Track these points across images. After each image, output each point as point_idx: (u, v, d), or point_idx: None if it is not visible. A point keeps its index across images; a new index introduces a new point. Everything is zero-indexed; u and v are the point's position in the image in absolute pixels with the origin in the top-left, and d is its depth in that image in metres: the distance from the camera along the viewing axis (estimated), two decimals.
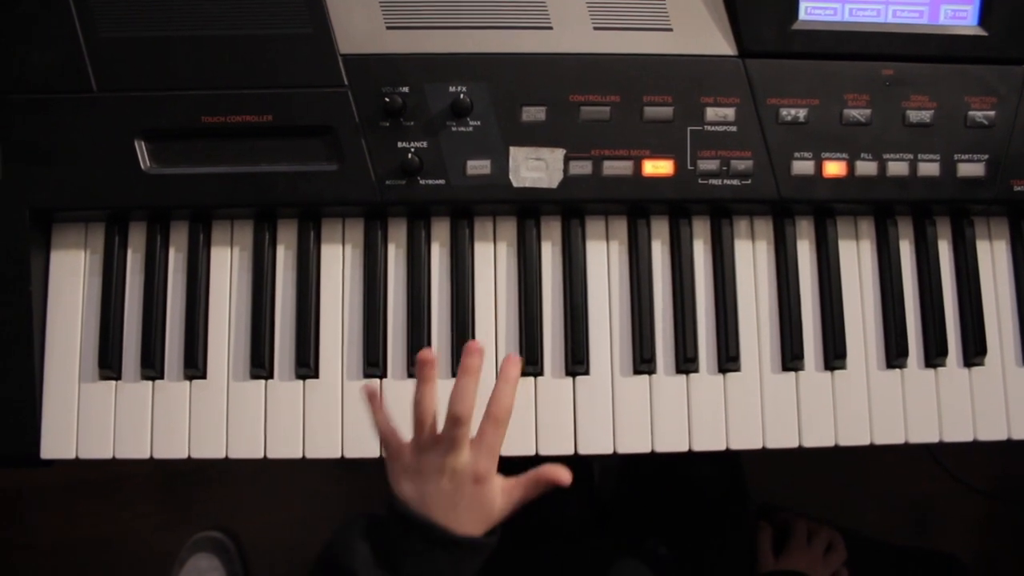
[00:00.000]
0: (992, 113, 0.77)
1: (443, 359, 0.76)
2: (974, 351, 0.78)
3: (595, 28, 0.75)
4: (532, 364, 0.75)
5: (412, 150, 0.74)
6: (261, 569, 1.37)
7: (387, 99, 0.73)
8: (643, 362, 0.76)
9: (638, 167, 0.75)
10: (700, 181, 0.75)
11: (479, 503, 0.67)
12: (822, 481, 1.35)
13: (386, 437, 0.70)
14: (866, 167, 0.76)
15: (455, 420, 0.66)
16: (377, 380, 0.76)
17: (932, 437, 0.77)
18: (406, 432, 0.70)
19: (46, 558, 1.39)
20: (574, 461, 0.75)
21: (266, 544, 1.37)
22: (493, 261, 0.78)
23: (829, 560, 1.00)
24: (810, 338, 0.77)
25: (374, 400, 0.71)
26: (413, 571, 0.65)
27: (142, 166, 0.74)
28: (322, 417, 0.75)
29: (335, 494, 1.39)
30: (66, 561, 1.39)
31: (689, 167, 0.75)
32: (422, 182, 0.74)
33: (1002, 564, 1.41)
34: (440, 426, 0.68)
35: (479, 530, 0.67)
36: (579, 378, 0.76)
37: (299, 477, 1.38)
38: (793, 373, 0.77)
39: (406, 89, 0.74)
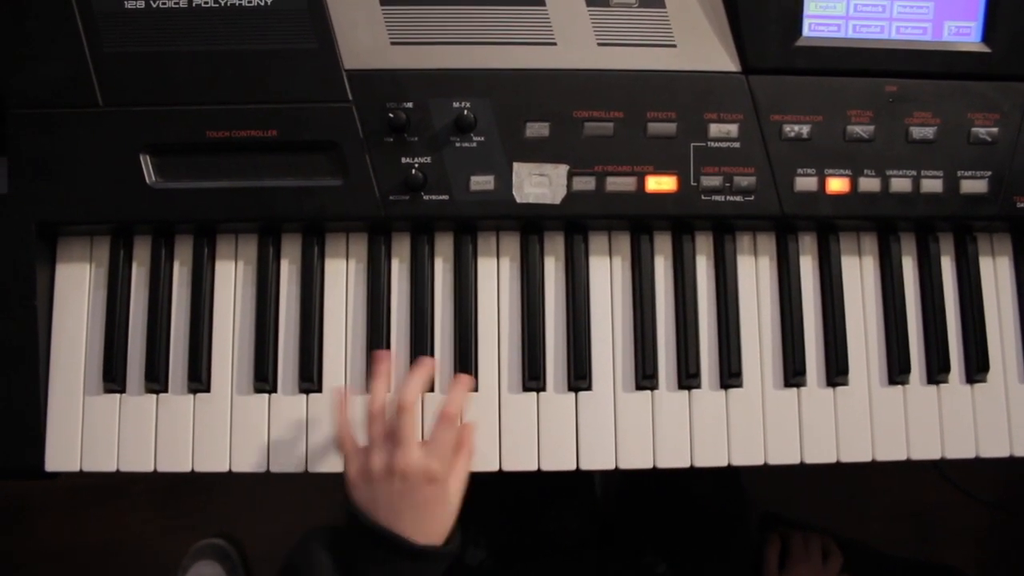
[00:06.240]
0: (995, 130, 0.77)
1: (445, 373, 0.76)
2: (976, 368, 0.78)
3: (599, 44, 0.76)
4: (534, 379, 0.75)
5: (416, 166, 0.74)
6: None
7: (391, 115, 0.73)
8: (645, 378, 0.76)
9: (641, 183, 0.75)
10: (703, 197, 0.75)
11: (435, 503, 0.67)
12: (823, 490, 1.35)
13: (342, 437, 0.70)
14: (869, 183, 0.76)
15: (398, 407, 0.67)
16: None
17: (934, 454, 0.77)
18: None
19: (50, 563, 1.40)
20: (576, 476, 0.75)
21: (269, 551, 1.37)
22: (496, 276, 0.78)
23: (828, 566, 1.00)
24: (812, 354, 0.78)
25: (340, 403, 0.72)
26: None
27: (147, 180, 0.74)
28: (325, 432, 0.75)
29: (338, 502, 1.38)
30: (70, 566, 1.39)
31: (692, 183, 0.75)
32: (426, 197, 0.74)
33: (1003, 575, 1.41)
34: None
35: (438, 531, 0.67)
36: (581, 394, 0.76)
37: (302, 485, 1.38)
38: (795, 389, 0.77)
39: (410, 105, 0.74)
